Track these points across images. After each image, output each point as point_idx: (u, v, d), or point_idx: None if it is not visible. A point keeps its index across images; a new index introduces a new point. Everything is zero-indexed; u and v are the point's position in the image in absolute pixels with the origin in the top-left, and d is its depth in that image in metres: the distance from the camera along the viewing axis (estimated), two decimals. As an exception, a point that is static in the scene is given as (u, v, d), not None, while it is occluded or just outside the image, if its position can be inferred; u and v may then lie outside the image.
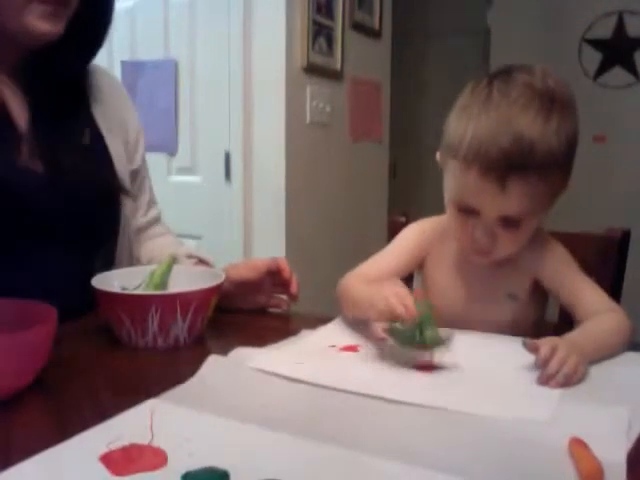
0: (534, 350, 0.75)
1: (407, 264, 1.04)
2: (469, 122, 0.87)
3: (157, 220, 1.24)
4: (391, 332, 0.79)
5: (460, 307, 0.99)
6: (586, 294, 0.93)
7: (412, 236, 1.05)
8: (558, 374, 0.72)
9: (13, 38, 0.95)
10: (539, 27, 3.62)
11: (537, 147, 0.83)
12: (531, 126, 0.84)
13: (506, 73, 0.90)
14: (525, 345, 0.76)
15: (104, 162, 1.06)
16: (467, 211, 0.90)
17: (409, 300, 0.77)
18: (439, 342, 0.76)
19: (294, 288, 1.03)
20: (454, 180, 0.90)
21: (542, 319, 1.03)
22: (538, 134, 0.84)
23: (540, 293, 0.99)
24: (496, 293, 0.98)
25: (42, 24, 0.92)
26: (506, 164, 0.83)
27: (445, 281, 1.02)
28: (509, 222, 0.89)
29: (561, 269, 0.96)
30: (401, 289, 0.81)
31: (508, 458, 0.56)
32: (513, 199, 0.85)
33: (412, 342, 0.77)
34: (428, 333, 0.76)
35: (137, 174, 1.17)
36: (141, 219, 1.19)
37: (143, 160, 1.19)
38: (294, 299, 1.05)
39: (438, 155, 0.95)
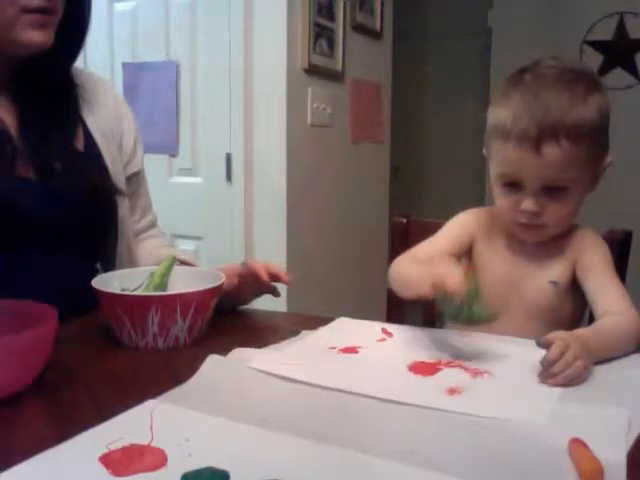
0: (547, 346, 0.76)
1: (456, 248, 1.06)
2: (504, 104, 0.95)
3: (153, 225, 1.25)
4: (440, 304, 0.80)
5: (504, 293, 1.01)
6: (607, 294, 0.94)
7: (462, 222, 1.09)
8: (560, 376, 0.73)
9: (4, 50, 0.96)
10: (540, 28, 3.62)
11: (566, 113, 0.90)
12: (559, 95, 0.91)
13: (535, 62, 0.98)
14: (539, 344, 0.77)
15: (98, 165, 1.06)
16: (512, 185, 0.95)
17: (459, 276, 0.79)
18: (485, 318, 0.79)
19: (285, 279, 1.01)
20: (497, 157, 0.97)
21: (582, 307, 1.03)
22: (566, 101, 0.91)
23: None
24: (540, 280, 1.01)
25: (34, 35, 0.93)
26: (537, 131, 0.90)
27: (491, 268, 1.04)
28: (552, 190, 0.93)
29: (594, 263, 0.98)
30: (451, 265, 0.83)
31: (508, 458, 0.56)
32: (549, 163, 0.90)
33: (459, 316, 0.79)
34: (475, 308, 0.78)
35: (134, 178, 1.17)
36: (137, 224, 1.19)
37: (141, 165, 1.19)
38: (289, 285, 1.04)
39: (484, 150, 1.02)
